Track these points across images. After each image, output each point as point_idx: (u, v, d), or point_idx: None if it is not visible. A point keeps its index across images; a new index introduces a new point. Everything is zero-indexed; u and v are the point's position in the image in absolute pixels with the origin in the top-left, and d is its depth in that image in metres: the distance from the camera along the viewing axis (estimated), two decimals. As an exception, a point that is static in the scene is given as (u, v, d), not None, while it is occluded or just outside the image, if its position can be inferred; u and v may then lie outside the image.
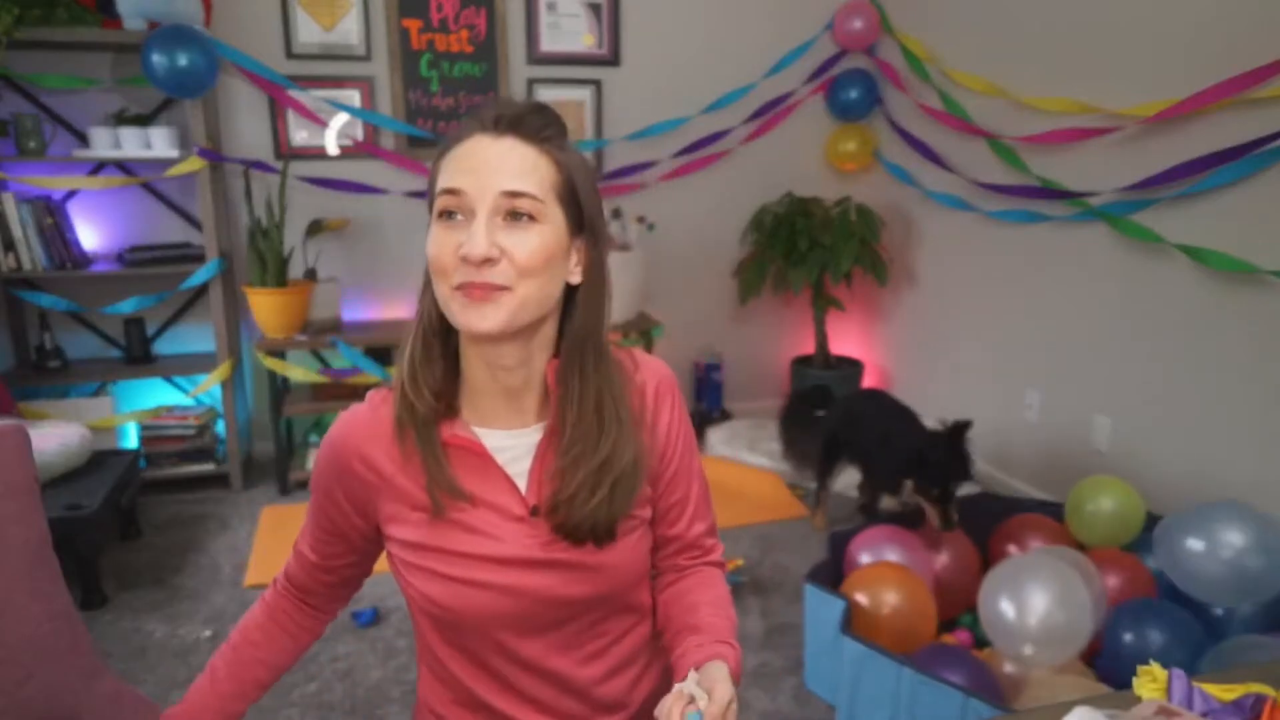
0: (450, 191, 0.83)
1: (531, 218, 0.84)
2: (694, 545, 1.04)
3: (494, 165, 0.83)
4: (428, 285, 0.91)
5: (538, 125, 0.87)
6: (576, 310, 0.91)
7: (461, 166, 0.84)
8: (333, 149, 3.41)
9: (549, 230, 0.85)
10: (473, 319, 0.83)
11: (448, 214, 0.84)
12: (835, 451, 2.86)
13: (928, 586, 2.05)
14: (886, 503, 2.70)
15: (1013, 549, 2.25)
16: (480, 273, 0.82)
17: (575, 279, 0.90)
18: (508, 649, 0.94)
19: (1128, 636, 1.81)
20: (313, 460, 3.37)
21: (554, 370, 0.92)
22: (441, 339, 0.92)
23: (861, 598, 1.96)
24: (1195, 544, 1.83)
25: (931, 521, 2.28)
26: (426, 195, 0.90)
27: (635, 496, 0.93)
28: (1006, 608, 1.81)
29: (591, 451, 0.90)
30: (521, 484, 0.92)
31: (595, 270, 0.92)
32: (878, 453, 2.63)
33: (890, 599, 1.95)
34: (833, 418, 2.90)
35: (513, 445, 0.93)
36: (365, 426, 0.93)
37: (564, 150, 0.88)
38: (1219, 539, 1.80)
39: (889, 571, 2.02)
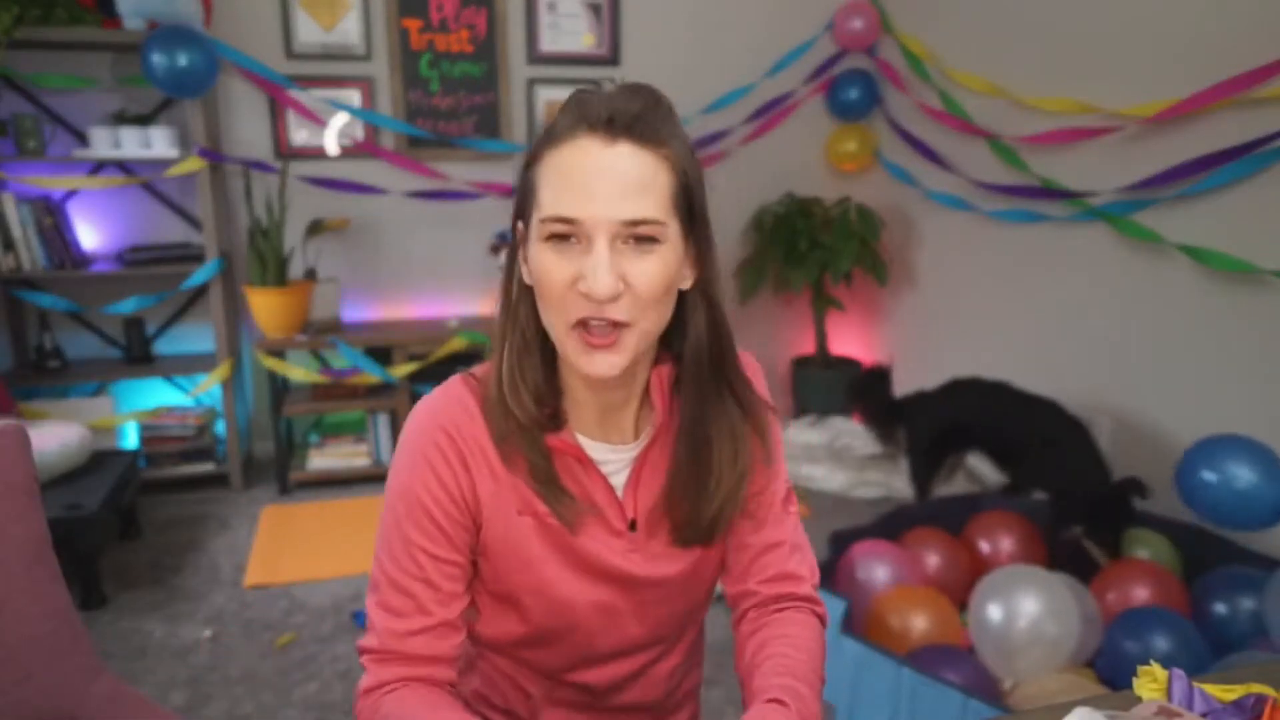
0: (562, 220, 0.75)
1: (654, 240, 0.76)
2: (766, 560, 0.93)
3: (610, 185, 0.75)
4: (523, 292, 0.84)
5: (655, 124, 0.78)
6: (693, 318, 0.84)
7: (571, 183, 0.75)
8: (333, 149, 3.41)
9: (669, 251, 0.78)
10: (595, 366, 0.78)
11: (558, 238, 0.76)
12: (950, 445, 2.73)
13: (952, 604, 2.04)
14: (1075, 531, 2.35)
15: (983, 545, 2.26)
16: (603, 309, 0.76)
17: (687, 284, 0.83)
18: (579, 667, 0.93)
19: (1129, 644, 1.81)
20: (312, 460, 3.37)
21: (664, 381, 0.87)
22: (539, 345, 0.85)
23: (892, 620, 1.96)
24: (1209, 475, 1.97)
25: (1095, 557, 2.23)
26: (515, 193, 0.84)
27: (744, 492, 0.89)
28: (995, 616, 1.83)
29: (708, 459, 0.86)
30: (619, 497, 0.89)
31: (709, 268, 0.83)
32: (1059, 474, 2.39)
33: (919, 624, 1.94)
34: (944, 408, 2.71)
35: (613, 459, 0.88)
36: (462, 413, 0.85)
37: (678, 145, 0.80)
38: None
39: (919, 594, 2.01)
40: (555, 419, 0.86)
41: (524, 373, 0.84)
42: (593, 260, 0.75)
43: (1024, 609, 1.81)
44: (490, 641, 0.93)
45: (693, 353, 0.85)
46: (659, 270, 0.77)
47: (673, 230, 0.78)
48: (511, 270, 0.86)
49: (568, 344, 0.79)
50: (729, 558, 0.95)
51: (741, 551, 0.94)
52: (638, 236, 0.76)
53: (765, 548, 0.93)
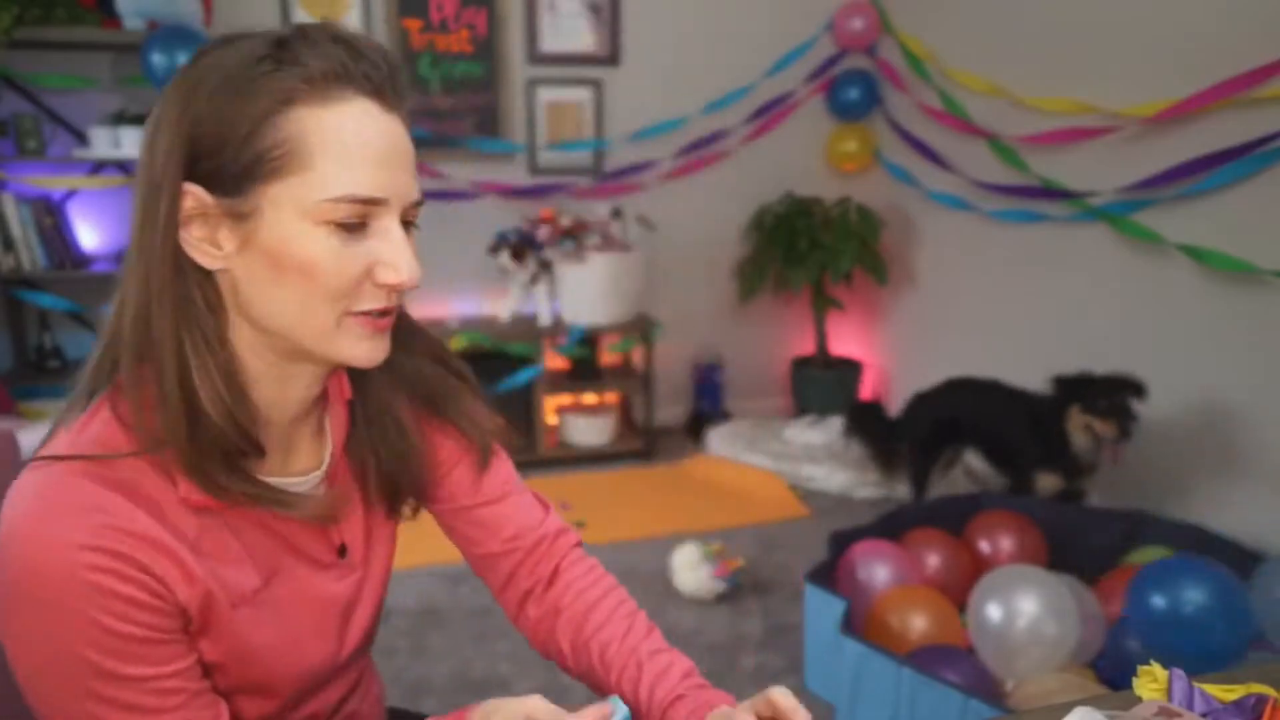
0: (364, 201, 0.65)
1: (414, 222, 0.71)
2: (503, 513, 0.90)
3: (403, 161, 0.68)
4: (201, 283, 0.67)
5: (406, 86, 0.70)
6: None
7: (367, 157, 0.65)
8: None
9: None
10: (377, 351, 0.71)
11: (348, 225, 0.66)
12: (945, 439, 2.81)
13: (952, 604, 2.04)
14: (1044, 482, 2.54)
15: (983, 545, 2.27)
16: (398, 297, 0.70)
17: None
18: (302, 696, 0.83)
19: (1131, 644, 1.80)
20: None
21: (343, 381, 0.80)
22: (221, 349, 0.69)
23: (891, 620, 1.96)
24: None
25: (1108, 435, 2.33)
26: (190, 139, 0.64)
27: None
28: (994, 616, 1.83)
29: (391, 434, 0.81)
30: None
31: None
32: (1022, 425, 2.57)
33: (919, 624, 1.94)
34: (938, 404, 2.83)
35: (301, 491, 0.78)
36: (107, 524, 0.62)
37: None
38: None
39: (919, 594, 2.01)
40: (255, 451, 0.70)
41: (235, 393, 0.68)
42: (396, 246, 0.68)
43: (1023, 609, 1.81)
44: None
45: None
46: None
47: None
48: (175, 259, 0.66)
49: (341, 333, 0.68)
50: (454, 520, 0.91)
51: (471, 512, 0.90)
52: (408, 220, 0.71)
53: (488, 501, 0.90)
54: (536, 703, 0.66)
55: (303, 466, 0.78)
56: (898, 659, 1.76)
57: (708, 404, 3.97)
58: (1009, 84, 3.01)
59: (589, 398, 3.77)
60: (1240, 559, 2.09)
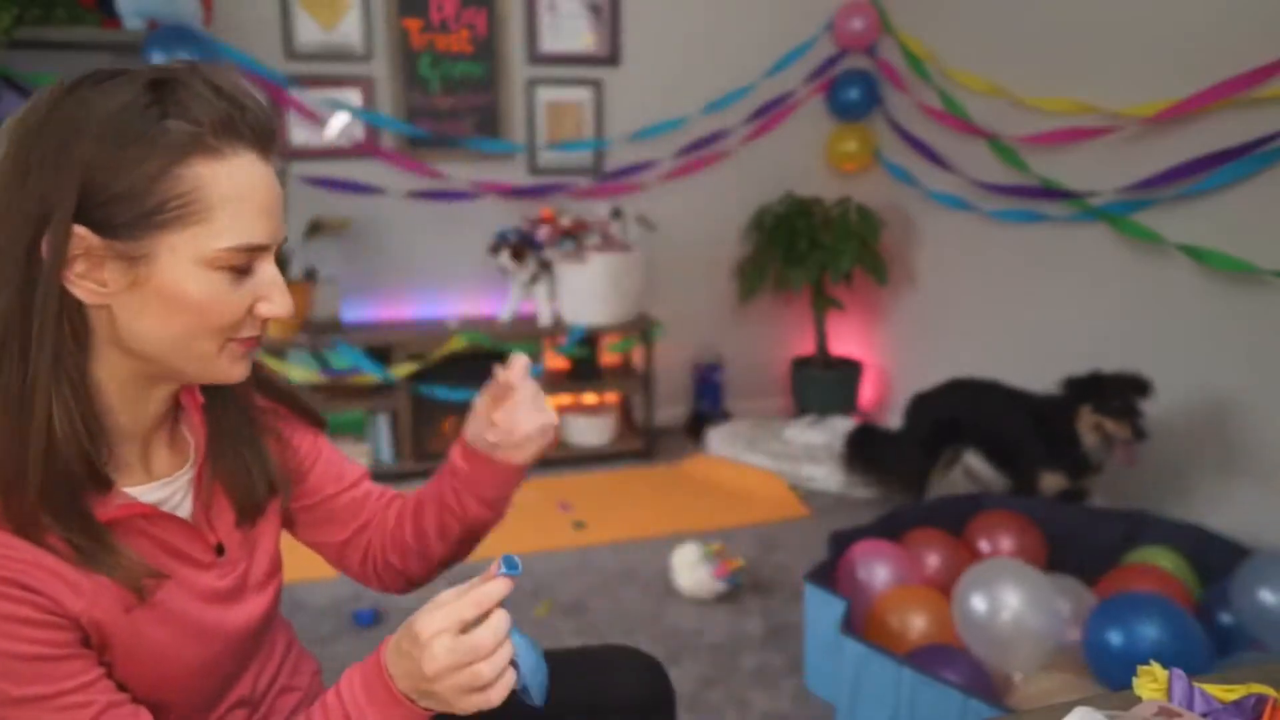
0: (253, 249, 0.72)
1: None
2: (358, 496, 1.02)
3: (277, 206, 0.74)
4: (76, 324, 0.69)
5: (279, 132, 0.78)
6: None
7: (254, 208, 0.71)
8: (333, 133, 3.39)
9: None
10: (247, 368, 0.78)
11: (237, 268, 0.72)
12: (945, 439, 2.82)
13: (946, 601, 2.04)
14: (1049, 482, 2.53)
15: (984, 544, 2.27)
16: (266, 326, 0.78)
17: None
18: (226, 694, 0.88)
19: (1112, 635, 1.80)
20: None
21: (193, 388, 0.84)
22: (81, 381, 0.71)
23: (891, 620, 1.96)
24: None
25: (1121, 436, 2.33)
26: (78, 186, 0.65)
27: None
28: (979, 608, 1.84)
29: (247, 435, 0.88)
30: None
31: None
32: (1026, 424, 2.57)
33: (919, 624, 1.94)
34: (939, 405, 2.84)
35: (169, 495, 0.81)
36: None
37: None
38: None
39: (919, 594, 2.01)
40: (104, 479, 0.73)
41: (93, 431, 0.71)
42: (274, 283, 0.75)
43: (1007, 601, 1.81)
44: None
45: None
46: None
47: None
48: (59, 295, 0.67)
49: (219, 360, 0.75)
50: (319, 509, 1.01)
51: (331, 502, 1.01)
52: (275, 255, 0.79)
53: (353, 484, 1.02)
54: (442, 593, 0.72)
55: (164, 471, 0.82)
56: (898, 659, 1.76)
57: (708, 404, 3.97)
58: (1009, 84, 3.01)
59: (589, 398, 3.77)
60: (1239, 558, 2.09)
